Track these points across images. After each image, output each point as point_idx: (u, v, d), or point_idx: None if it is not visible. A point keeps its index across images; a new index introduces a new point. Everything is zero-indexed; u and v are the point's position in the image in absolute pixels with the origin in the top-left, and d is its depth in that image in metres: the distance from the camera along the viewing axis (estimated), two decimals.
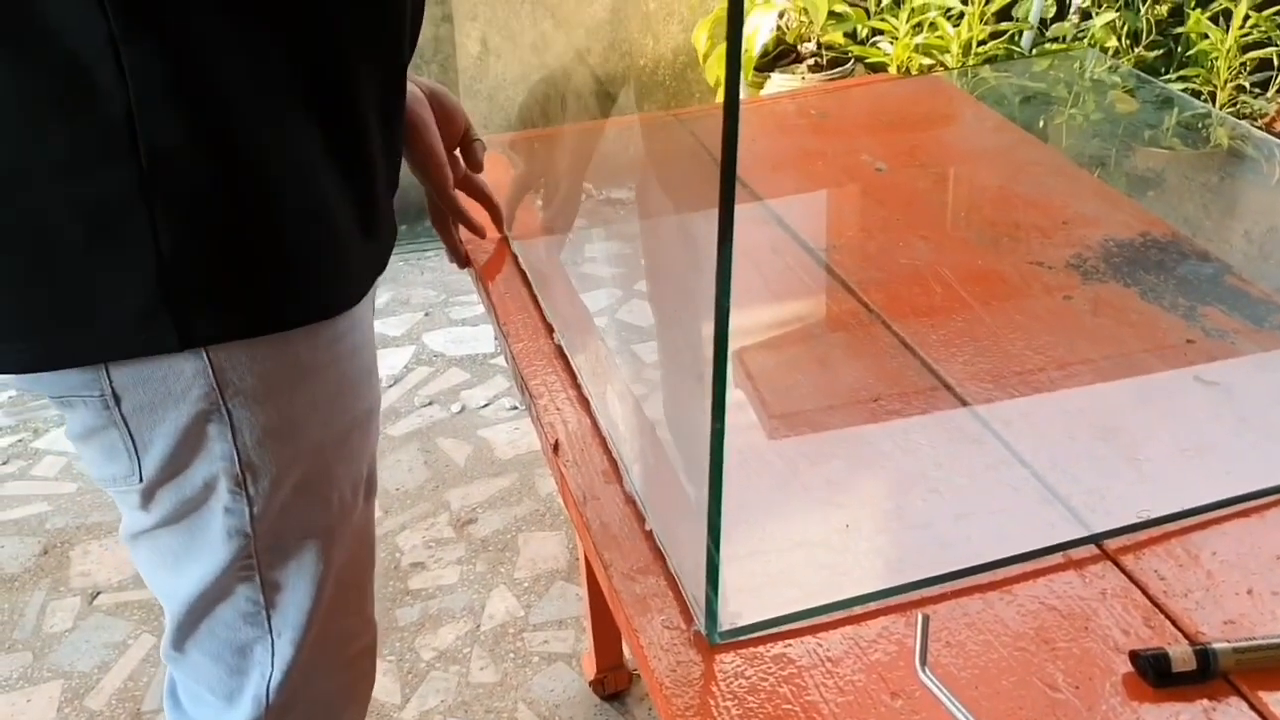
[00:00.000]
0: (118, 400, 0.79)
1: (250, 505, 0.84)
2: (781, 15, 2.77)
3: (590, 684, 1.69)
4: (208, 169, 0.73)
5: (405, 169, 0.98)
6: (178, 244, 0.73)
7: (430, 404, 2.33)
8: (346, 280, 0.83)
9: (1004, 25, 2.60)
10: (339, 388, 0.86)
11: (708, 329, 0.65)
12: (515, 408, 2.30)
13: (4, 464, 2.20)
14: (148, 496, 0.84)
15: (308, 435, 0.85)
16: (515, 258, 1.20)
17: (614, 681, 1.68)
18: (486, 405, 2.31)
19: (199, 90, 0.71)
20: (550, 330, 1.09)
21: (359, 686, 1.03)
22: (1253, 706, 0.70)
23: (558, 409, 0.98)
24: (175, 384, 0.78)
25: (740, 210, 0.60)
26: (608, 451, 0.93)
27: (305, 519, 0.88)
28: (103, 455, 0.83)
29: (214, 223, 0.74)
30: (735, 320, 0.64)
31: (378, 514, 2.03)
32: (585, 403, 0.99)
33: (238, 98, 0.72)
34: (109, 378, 0.78)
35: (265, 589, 0.88)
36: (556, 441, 0.95)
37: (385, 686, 1.71)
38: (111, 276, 0.74)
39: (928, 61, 2.60)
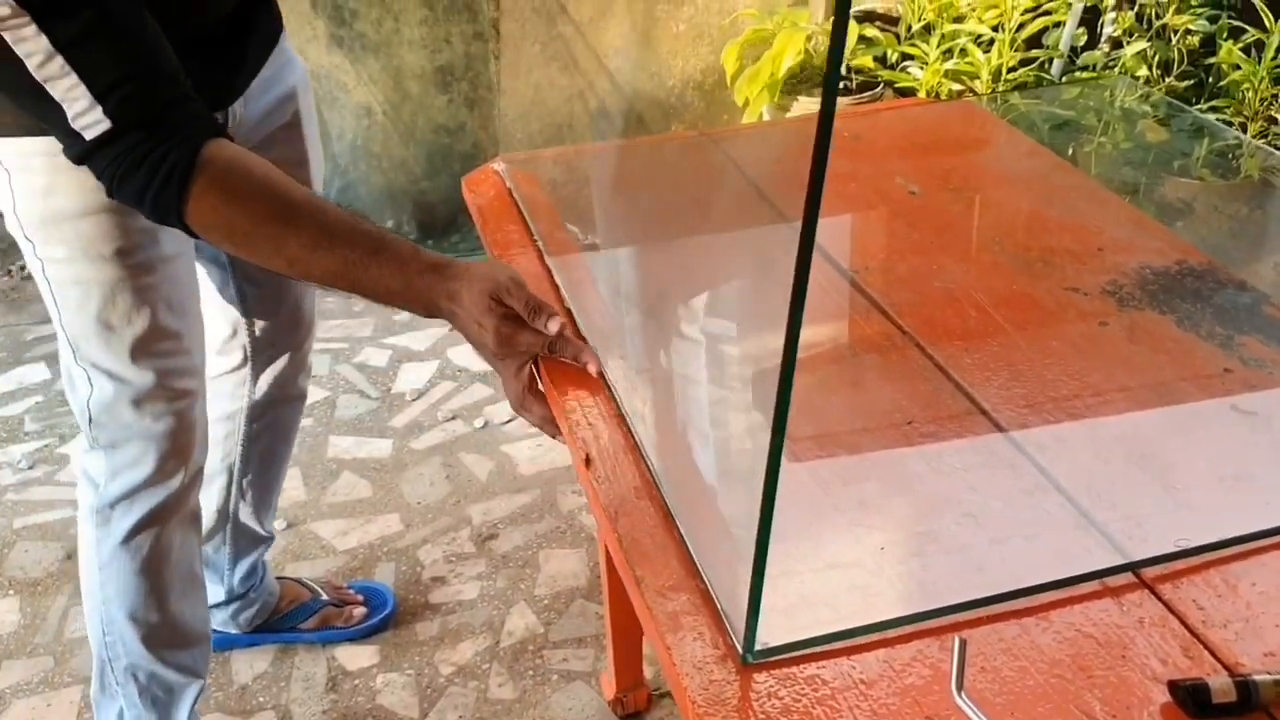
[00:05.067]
0: None
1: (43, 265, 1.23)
2: (809, 39, 2.78)
3: (609, 703, 1.68)
4: None
5: None
6: None
7: (453, 419, 2.33)
8: None
9: (1034, 52, 2.60)
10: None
11: (746, 346, 0.65)
12: None
13: (30, 469, 2.21)
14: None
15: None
16: (549, 272, 1.20)
17: (633, 701, 1.67)
18: (509, 421, 2.31)
19: None
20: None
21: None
22: None
23: (590, 424, 0.98)
24: None
25: (770, 231, 0.60)
26: (640, 467, 0.93)
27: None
28: None
29: None
30: (767, 341, 0.64)
31: (398, 527, 2.04)
32: (619, 418, 0.99)
33: None
34: None
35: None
36: (588, 456, 0.95)
37: (403, 700, 1.71)
38: None
39: (957, 87, 2.60)
